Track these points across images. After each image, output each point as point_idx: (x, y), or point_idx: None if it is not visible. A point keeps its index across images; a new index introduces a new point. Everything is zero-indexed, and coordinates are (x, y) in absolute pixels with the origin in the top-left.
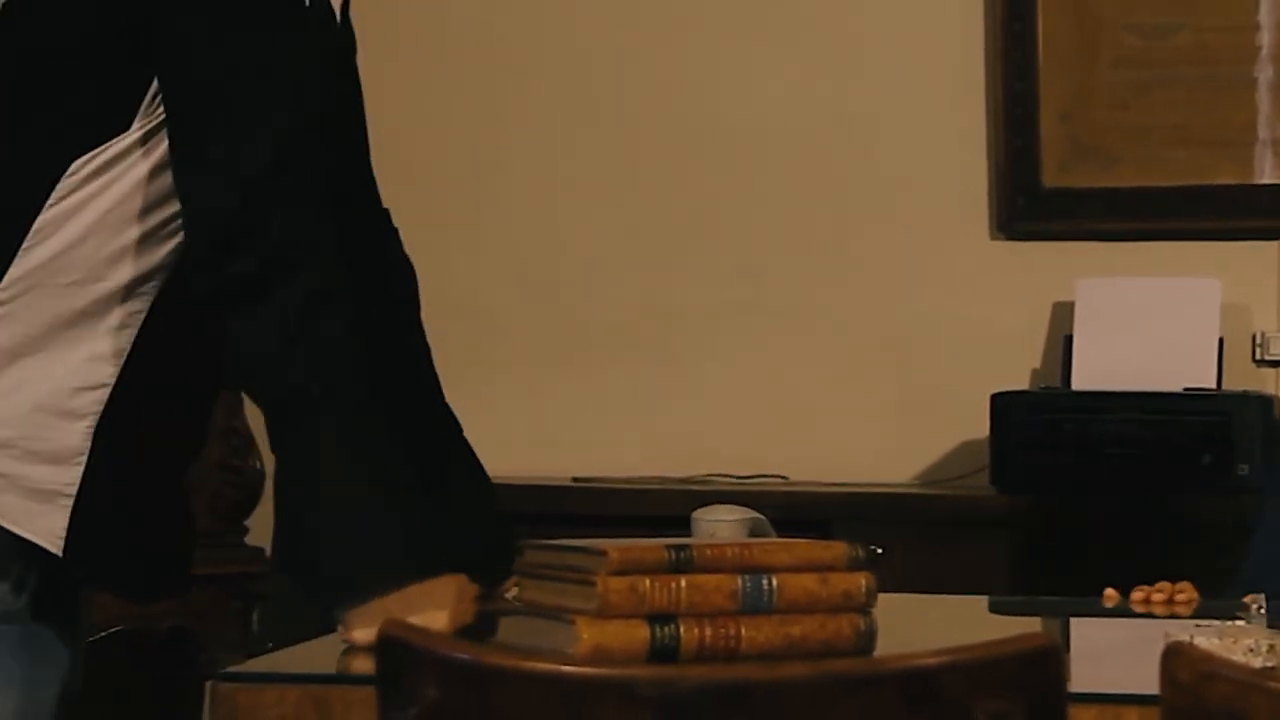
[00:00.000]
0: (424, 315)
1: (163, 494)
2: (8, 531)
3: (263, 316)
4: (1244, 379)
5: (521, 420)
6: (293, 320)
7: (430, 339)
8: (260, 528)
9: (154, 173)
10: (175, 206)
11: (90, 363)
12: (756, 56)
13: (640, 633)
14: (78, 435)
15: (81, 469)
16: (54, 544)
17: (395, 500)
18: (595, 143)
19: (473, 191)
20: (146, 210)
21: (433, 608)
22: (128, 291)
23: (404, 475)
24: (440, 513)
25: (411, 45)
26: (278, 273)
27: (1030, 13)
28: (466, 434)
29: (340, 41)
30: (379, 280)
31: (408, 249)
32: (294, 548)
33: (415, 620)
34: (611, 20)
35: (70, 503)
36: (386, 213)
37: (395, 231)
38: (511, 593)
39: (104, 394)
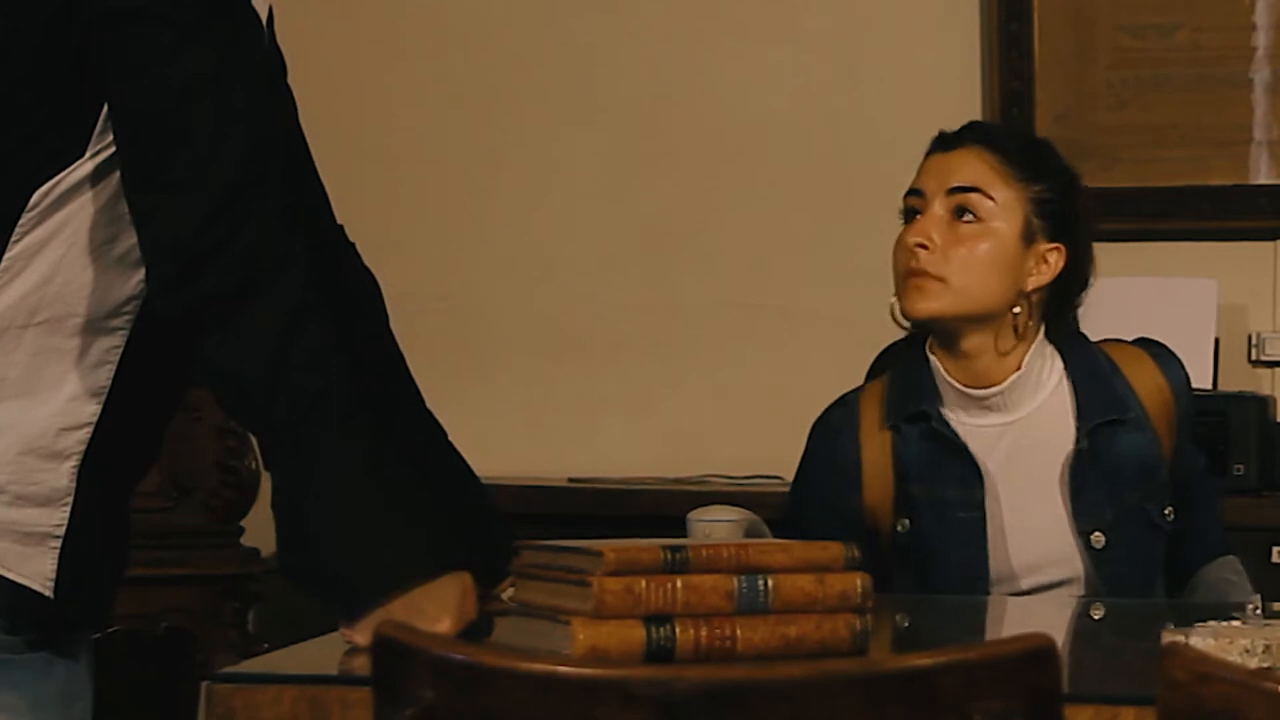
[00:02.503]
0: (422, 316)
1: (127, 520)
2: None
3: (246, 329)
4: (1240, 380)
5: (518, 420)
6: (280, 329)
7: (427, 339)
8: (256, 528)
9: (115, 200)
10: None
11: (72, 402)
12: (754, 56)
13: (636, 633)
14: (64, 476)
15: (68, 510)
16: (45, 586)
17: (397, 501)
18: (591, 142)
19: (469, 191)
20: (113, 239)
21: (436, 608)
22: (103, 325)
23: (403, 477)
24: (441, 513)
25: (409, 45)
26: (256, 284)
27: (1026, 13)
28: (463, 434)
29: (276, 58)
30: (349, 289)
31: (405, 249)
32: (297, 550)
33: (420, 621)
34: (611, 20)
35: (59, 544)
36: (341, 228)
37: (353, 246)
38: (508, 593)
39: (87, 433)
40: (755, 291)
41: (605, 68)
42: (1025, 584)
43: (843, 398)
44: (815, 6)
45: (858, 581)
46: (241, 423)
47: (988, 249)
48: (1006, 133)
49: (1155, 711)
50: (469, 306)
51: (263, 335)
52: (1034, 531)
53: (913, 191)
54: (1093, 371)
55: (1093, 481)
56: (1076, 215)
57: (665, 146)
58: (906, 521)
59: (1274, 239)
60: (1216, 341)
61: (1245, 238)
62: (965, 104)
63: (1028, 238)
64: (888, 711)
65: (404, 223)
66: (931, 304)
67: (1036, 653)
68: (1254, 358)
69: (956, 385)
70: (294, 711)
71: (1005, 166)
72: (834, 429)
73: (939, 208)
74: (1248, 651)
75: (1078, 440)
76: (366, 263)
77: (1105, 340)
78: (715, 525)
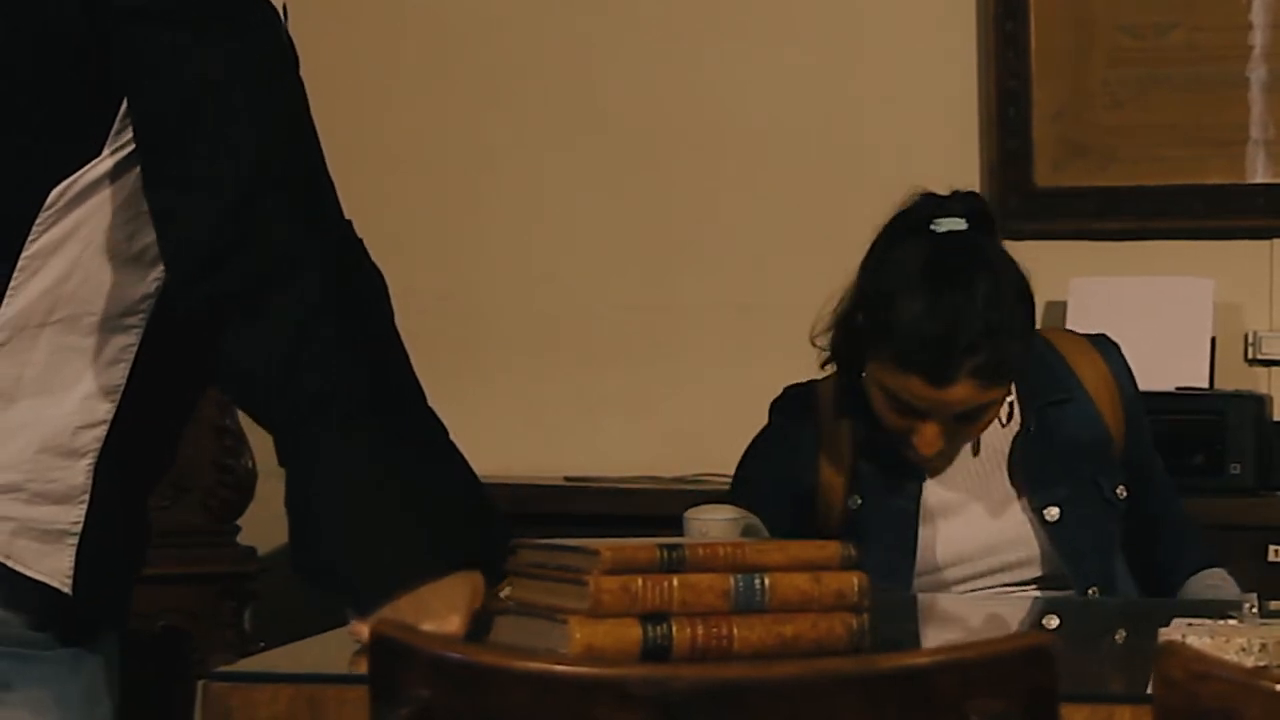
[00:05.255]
0: (421, 315)
1: (144, 517)
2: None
3: (260, 328)
4: (1236, 378)
5: (514, 419)
6: (296, 327)
7: (424, 338)
8: (252, 527)
9: (132, 198)
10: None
11: (89, 400)
12: (752, 56)
13: (633, 632)
14: (81, 474)
15: (85, 507)
16: (63, 583)
17: (399, 501)
18: (590, 142)
19: (468, 190)
20: (130, 237)
21: (445, 607)
22: (119, 323)
23: (415, 475)
24: (451, 511)
25: (409, 45)
26: (272, 283)
27: (1023, 12)
28: (460, 433)
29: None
30: (363, 287)
31: (404, 249)
32: (303, 548)
33: (428, 619)
34: (610, 21)
35: (76, 541)
36: (350, 223)
37: (360, 242)
38: (504, 592)
39: (103, 430)
40: (753, 291)
41: (604, 68)
42: (987, 564)
43: (804, 381)
44: (812, 6)
45: (854, 580)
46: (255, 420)
47: (995, 411)
48: (988, 343)
49: (1152, 710)
50: (468, 306)
51: (276, 335)
52: (990, 513)
53: (902, 402)
54: (1033, 355)
55: (1044, 459)
56: (1030, 318)
57: (664, 147)
58: (858, 499)
59: (1270, 238)
60: (1213, 340)
61: (1242, 237)
62: (963, 103)
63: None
64: (884, 710)
65: (403, 222)
66: (939, 458)
67: (1033, 652)
68: (1250, 357)
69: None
70: (290, 710)
71: (995, 382)
72: (791, 404)
73: (939, 421)
74: (1244, 650)
75: (1025, 422)
76: None
77: (1043, 328)
78: (711, 524)
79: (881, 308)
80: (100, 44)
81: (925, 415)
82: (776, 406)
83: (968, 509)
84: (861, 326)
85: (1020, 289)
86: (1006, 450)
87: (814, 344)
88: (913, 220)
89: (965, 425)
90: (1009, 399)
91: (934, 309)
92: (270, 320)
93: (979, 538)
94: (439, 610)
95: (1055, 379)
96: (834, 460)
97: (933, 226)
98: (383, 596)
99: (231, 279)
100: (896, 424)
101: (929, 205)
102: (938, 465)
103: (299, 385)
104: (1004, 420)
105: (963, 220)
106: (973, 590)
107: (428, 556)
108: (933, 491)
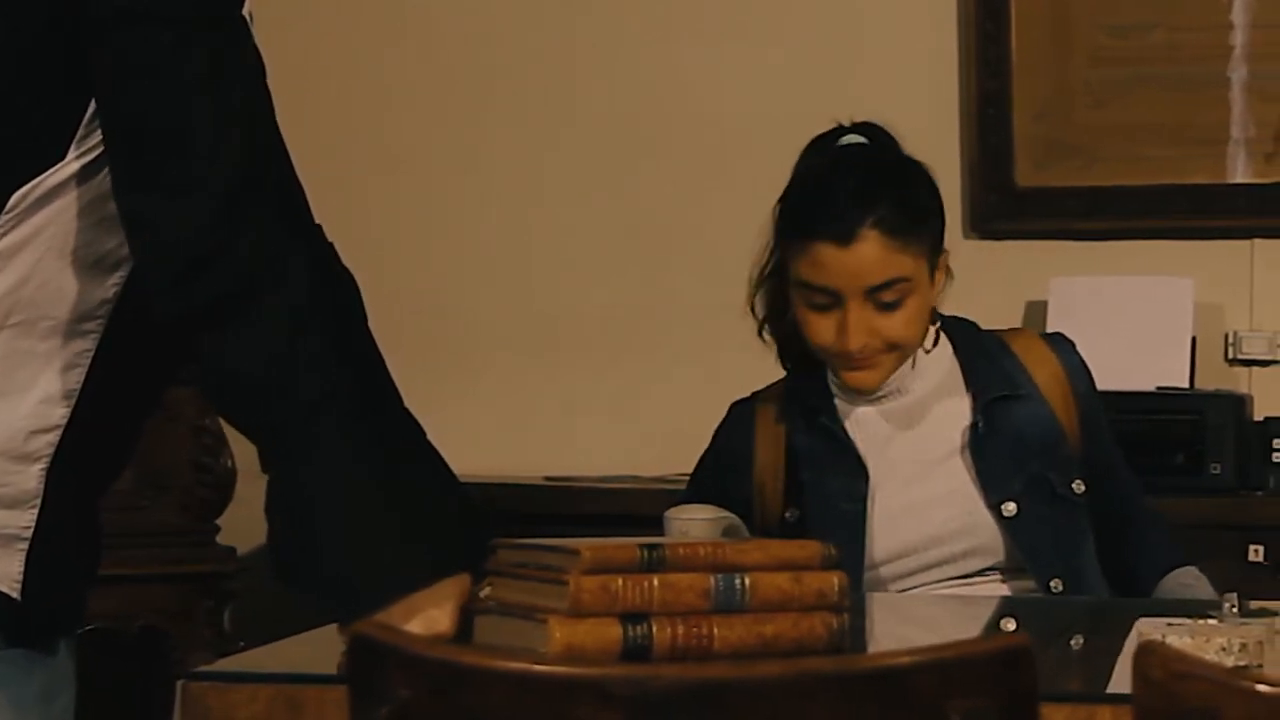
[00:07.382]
0: (399, 314)
1: (97, 521)
2: None
3: (251, 330)
4: (1217, 378)
5: (494, 419)
6: (286, 330)
7: (406, 338)
8: (231, 527)
9: (95, 203)
10: (118, 237)
11: (43, 405)
12: (734, 56)
13: (613, 632)
14: (33, 478)
15: (36, 511)
16: (12, 588)
17: (402, 500)
18: (572, 140)
19: (449, 190)
20: (90, 243)
21: (435, 609)
22: (76, 328)
23: (405, 475)
24: (442, 511)
25: (395, 44)
26: (261, 284)
27: (1004, 12)
28: (441, 433)
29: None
30: (342, 290)
31: (386, 248)
32: (295, 553)
33: (419, 623)
34: (597, 20)
35: (26, 546)
36: (319, 227)
37: (331, 245)
38: (484, 592)
39: (56, 435)
40: (734, 291)
41: (589, 66)
42: (932, 556)
43: (748, 395)
44: (798, 9)
45: (834, 580)
46: (241, 423)
47: (915, 309)
48: (888, 195)
49: (1132, 710)
50: (449, 306)
51: (268, 336)
52: (935, 505)
53: (819, 289)
54: (981, 352)
55: (995, 454)
56: (942, 207)
57: (645, 146)
58: (795, 511)
59: (1251, 238)
60: (1193, 340)
61: (1222, 236)
62: (943, 102)
63: (932, 271)
64: (864, 710)
65: (385, 221)
66: (879, 374)
67: (1013, 652)
68: (1230, 356)
69: (850, 388)
70: (269, 710)
71: (904, 240)
72: (731, 422)
73: (857, 305)
74: (1224, 650)
75: (973, 416)
76: (349, 261)
77: (996, 330)
78: (692, 523)
79: (788, 197)
80: (90, 45)
81: (842, 300)
82: (719, 427)
83: (912, 502)
84: (778, 232)
85: (929, 183)
86: (957, 443)
87: (752, 310)
88: (818, 143)
89: (885, 315)
90: (936, 342)
91: (837, 170)
92: (264, 321)
93: (924, 530)
94: (431, 614)
95: (1005, 375)
96: (770, 475)
97: (837, 144)
98: (378, 601)
99: (224, 279)
100: (823, 335)
101: (834, 131)
102: (869, 379)
103: (295, 386)
104: (910, 363)
105: (865, 139)
106: (923, 584)
107: (421, 559)
108: (879, 487)
